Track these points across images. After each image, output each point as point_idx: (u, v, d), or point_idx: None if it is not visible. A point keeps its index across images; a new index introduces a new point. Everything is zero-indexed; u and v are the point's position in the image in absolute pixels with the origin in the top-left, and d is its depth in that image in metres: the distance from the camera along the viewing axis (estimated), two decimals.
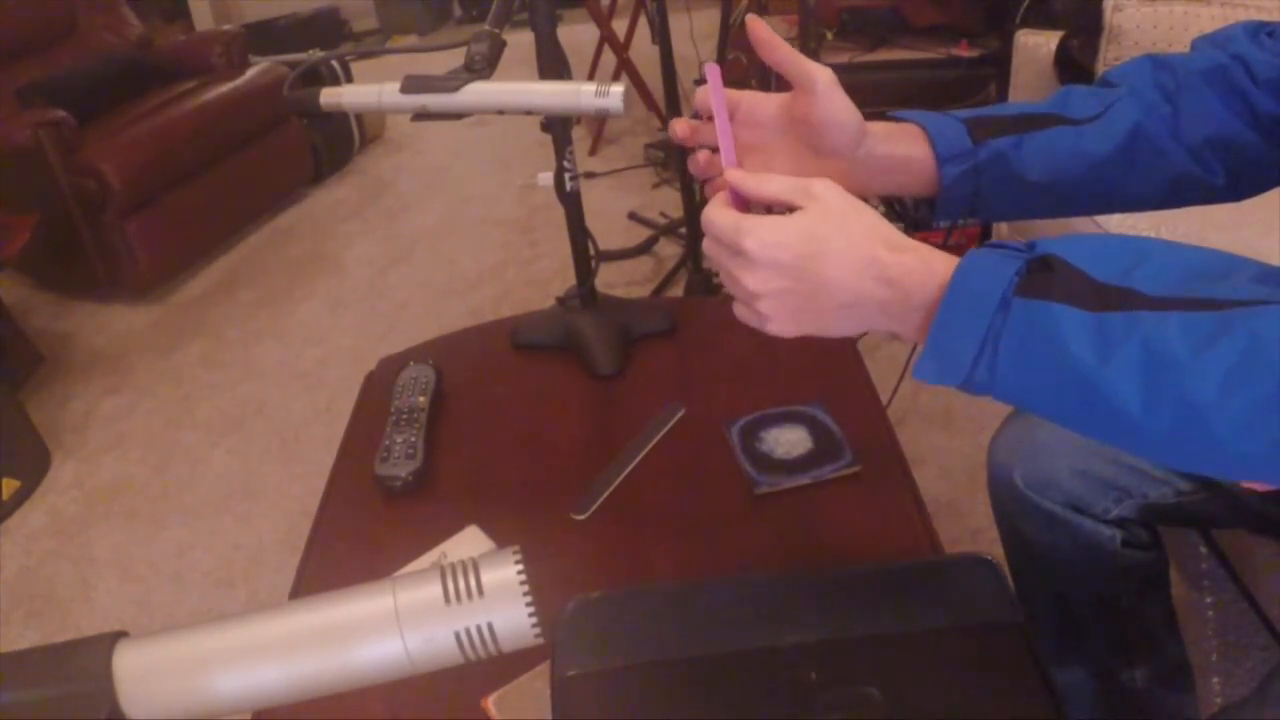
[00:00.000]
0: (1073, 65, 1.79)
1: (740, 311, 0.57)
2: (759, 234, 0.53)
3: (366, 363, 1.21)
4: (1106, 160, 0.66)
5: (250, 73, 3.09)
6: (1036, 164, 0.66)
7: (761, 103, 0.66)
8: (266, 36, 4.51)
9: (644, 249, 2.64)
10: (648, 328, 1.16)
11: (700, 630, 0.68)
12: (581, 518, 0.91)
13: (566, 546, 0.89)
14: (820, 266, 0.52)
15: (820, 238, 0.52)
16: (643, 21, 3.06)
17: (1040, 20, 1.96)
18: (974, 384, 0.50)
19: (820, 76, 0.62)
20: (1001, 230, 2.06)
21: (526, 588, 0.37)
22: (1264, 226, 1.32)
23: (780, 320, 0.55)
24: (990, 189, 0.67)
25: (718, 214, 0.56)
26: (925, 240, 0.53)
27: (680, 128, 0.66)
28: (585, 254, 1.13)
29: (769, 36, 0.61)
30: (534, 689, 0.71)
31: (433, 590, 0.37)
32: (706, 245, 0.58)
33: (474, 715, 0.72)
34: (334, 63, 3.31)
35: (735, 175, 0.58)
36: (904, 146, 0.67)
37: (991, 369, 0.48)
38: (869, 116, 0.67)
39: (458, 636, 0.36)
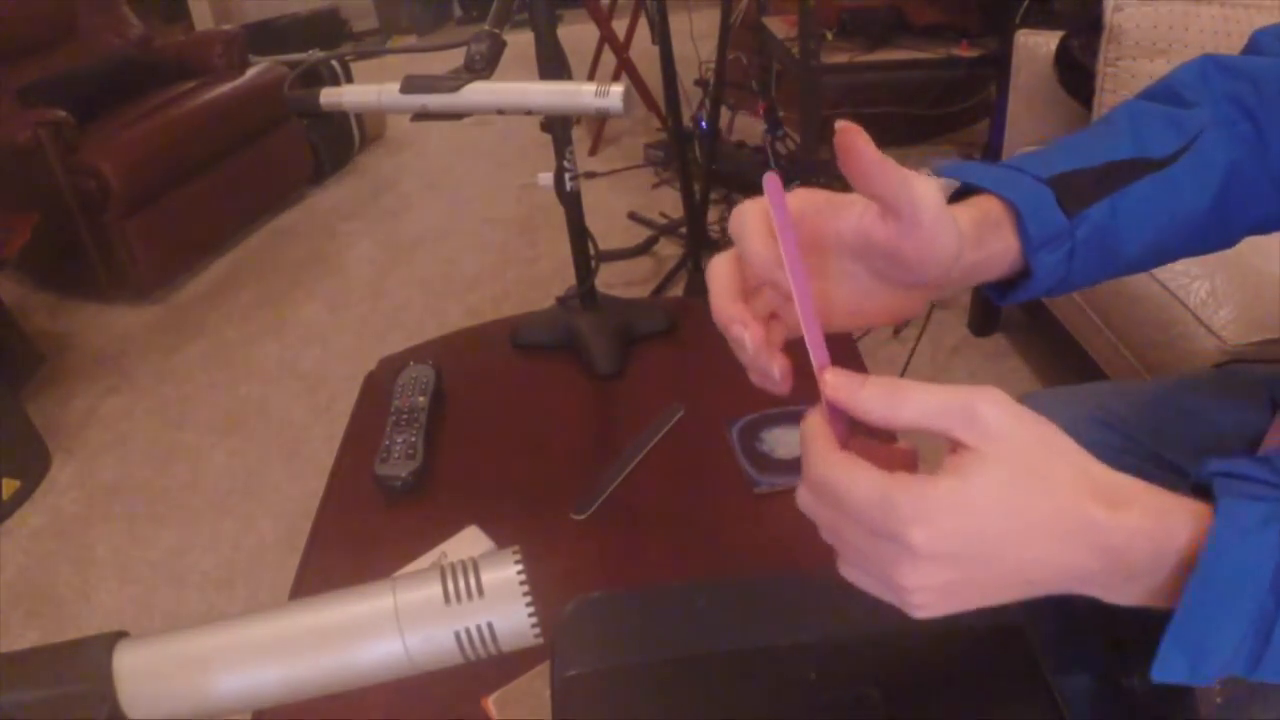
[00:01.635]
0: (1073, 65, 1.79)
1: (867, 584, 0.41)
2: (932, 521, 0.37)
3: (366, 363, 1.21)
4: (1205, 216, 0.55)
5: (250, 73, 3.10)
6: (1135, 234, 0.53)
7: (829, 216, 0.46)
8: (266, 36, 4.51)
9: (644, 249, 2.64)
10: (648, 328, 1.16)
11: (700, 630, 0.68)
12: (581, 518, 0.91)
13: (566, 546, 0.89)
14: (1014, 549, 0.38)
15: (1016, 510, 0.37)
16: (643, 21, 3.07)
17: (1040, 20, 1.96)
18: (1230, 674, 0.40)
19: (927, 203, 0.43)
20: None
21: (526, 588, 0.37)
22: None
23: (935, 608, 0.40)
24: (1080, 270, 0.52)
25: (844, 474, 0.39)
26: None
27: (749, 332, 0.45)
28: (585, 254, 1.13)
29: (867, 150, 0.41)
30: (534, 689, 0.72)
31: (433, 590, 0.37)
32: (810, 504, 0.41)
33: (474, 715, 0.72)
34: (334, 63, 3.31)
35: (844, 389, 0.40)
36: (993, 240, 0.49)
37: (1256, 660, 0.38)
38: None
39: (458, 636, 0.36)
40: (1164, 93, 0.58)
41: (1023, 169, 0.52)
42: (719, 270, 0.47)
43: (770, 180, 0.42)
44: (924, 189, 0.43)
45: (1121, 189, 0.53)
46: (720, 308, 0.46)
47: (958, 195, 0.52)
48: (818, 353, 0.42)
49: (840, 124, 0.41)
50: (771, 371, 0.46)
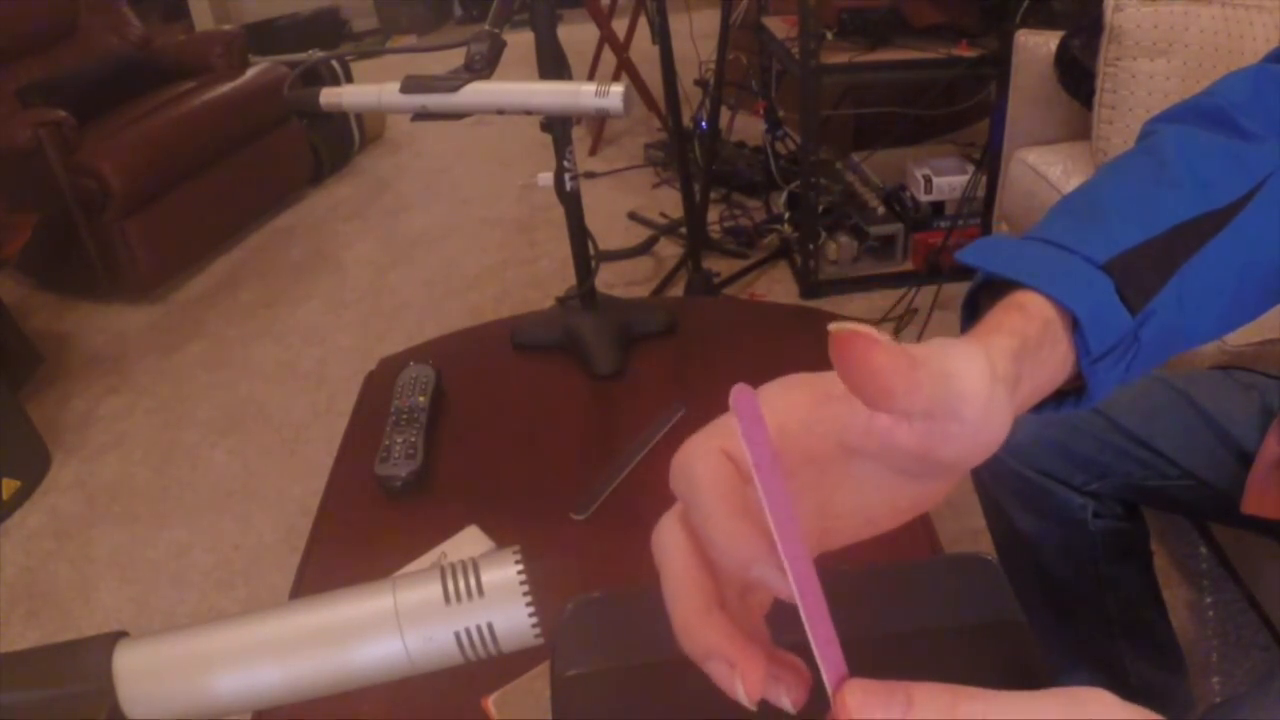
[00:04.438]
0: (1073, 65, 1.79)
1: None
2: None
3: (366, 363, 1.21)
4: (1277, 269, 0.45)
5: (250, 73, 3.10)
6: (1204, 310, 0.43)
7: (824, 421, 0.33)
8: (266, 36, 4.52)
9: (644, 249, 2.64)
10: (648, 328, 1.16)
11: None
12: (581, 518, 0.91)
13: (566, 546, 0.89)
14: None
15: None
16: (643, 21, 3.07)
17: (1040, 20, 1.96)
18: None
19: (972, 396, 0.31)
20: (1002, 229, 2.05)
21: (527, 588, 0.37)
22: None
23: None
24: (1139, 370, 0.42)
25: None
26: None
27: (742, 677, 0.29)
28: (585, 254, 1.13)
29: (889, 360, 0.28)
30: (534, 689, 0.72)
31: (433, 590, 0.37)
32: None
33: (474, 715, 0.72)
34: (334, 63, 3.31)
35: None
36: (1034, 371, 0.36)
37: None
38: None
39: (458, 636, 0.36)
40: (1215, 115, 0.48)
41: (1071, 247, 0.39)
42: (674, 561, 0.32)
43: (741, 397, 0.26)
44: (968, 378, 0.30)
45: (1188, 262, 0.42)
46: (689, 628, 0.30)
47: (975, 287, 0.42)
48: (829, 656, 0.27)
49: (839, 329, 0.27)
50: (782, 703, 0.30)
